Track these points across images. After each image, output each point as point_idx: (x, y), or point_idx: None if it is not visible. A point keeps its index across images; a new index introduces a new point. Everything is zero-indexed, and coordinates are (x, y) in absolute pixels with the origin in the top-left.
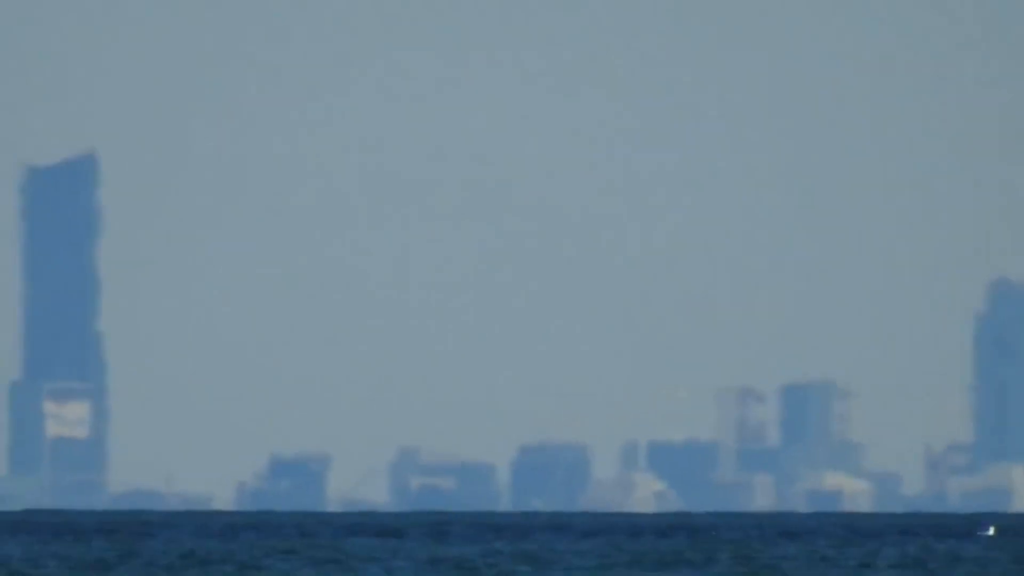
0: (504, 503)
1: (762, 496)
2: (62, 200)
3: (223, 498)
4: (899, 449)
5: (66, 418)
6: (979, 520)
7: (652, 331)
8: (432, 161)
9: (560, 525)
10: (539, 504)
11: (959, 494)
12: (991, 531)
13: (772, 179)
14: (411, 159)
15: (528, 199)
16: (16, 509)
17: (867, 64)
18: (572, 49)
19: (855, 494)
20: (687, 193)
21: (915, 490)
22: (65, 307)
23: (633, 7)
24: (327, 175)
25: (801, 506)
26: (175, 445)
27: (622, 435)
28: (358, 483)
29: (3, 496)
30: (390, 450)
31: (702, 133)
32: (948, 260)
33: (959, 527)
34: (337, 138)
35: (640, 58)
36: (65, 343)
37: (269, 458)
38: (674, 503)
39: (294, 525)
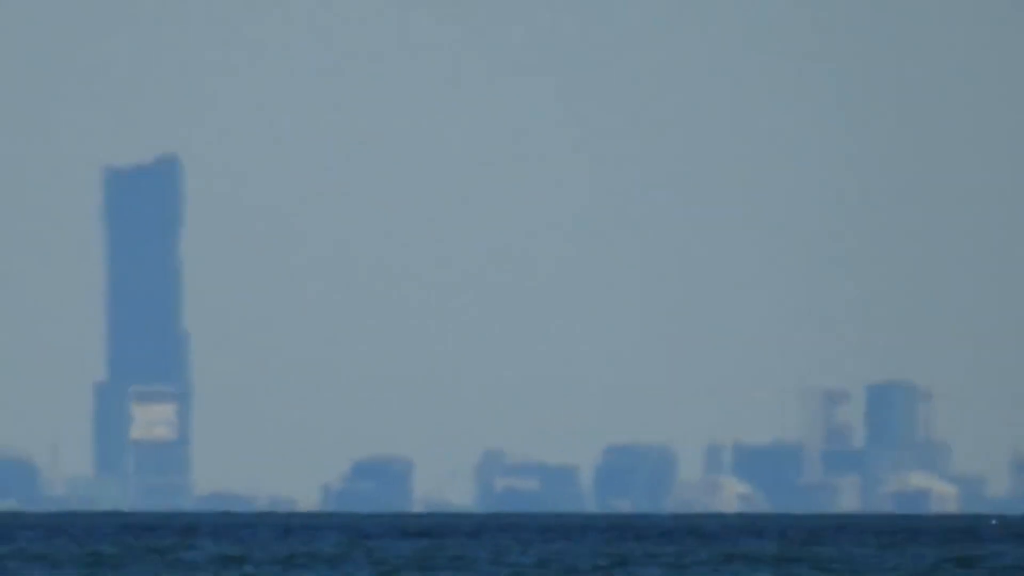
0: (589, 505)
1: (848, 498)
2: (145, 201)
3: (307, 500)
4: (985, 450)
5: (151, 420)
6: None
7: (737, 332)
8: (479, 162)
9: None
10: (624, 506)
11: None
12: None
13: (854, 179)
14: (455, 158)
15: (605, 203)
16: (102, 510)
17: (966, 62)
18: (588, 50)
19: (942, 496)
20: (770, 193)
21: (1001, 491)
22: (149, 309)
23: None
24: (403, 177)
25: (887, 508)
26: (260, 447)
27: (707, 437)
28: (442, 485)
29: (89, 497)
30: (475, 452)
31: (787, 129)
32: None
33: None
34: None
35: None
36: (150, 345)
37: (353, 460)
38: (760, 505)
39: (367, 527)
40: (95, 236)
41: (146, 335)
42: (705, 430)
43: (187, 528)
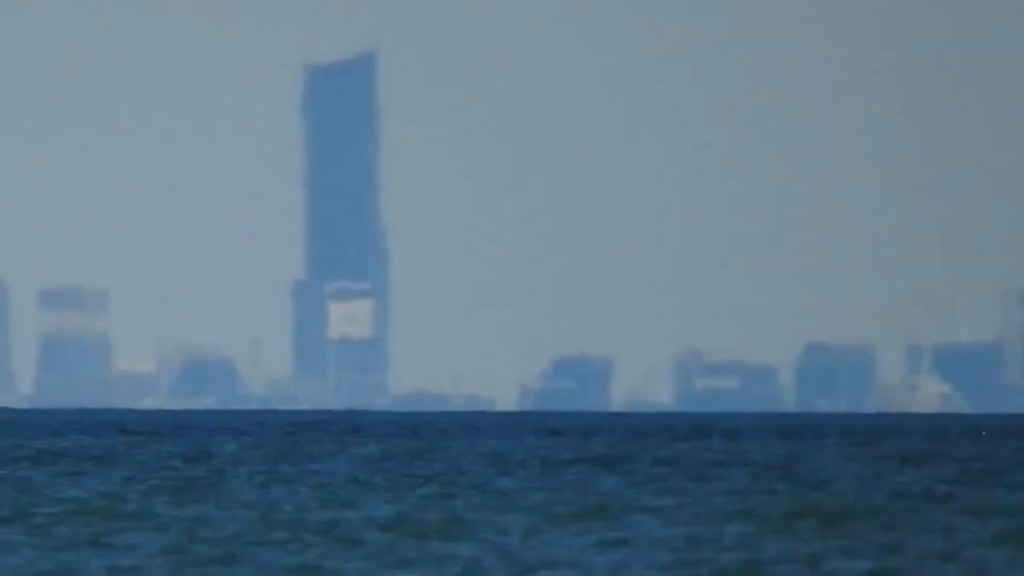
0: (788, 404)
1: None
2: (342, 98)
3: (506, 399)
4: None
5: (349, 318)
6: None
7: (937, 232)
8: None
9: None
10: (824, 406)
11: None
12: None
13: None
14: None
15: (807, 105)
16: (303, 409)
17: None
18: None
19: None
20: (970, 97)
21: None
22: (347, 206)
23: None
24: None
25: None
26: (458, 345)
27: (907, 337)
28: (641, 384)
29: (288, 396)
30: (674, 350)
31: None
32: None
33: None
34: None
35: None
36: (347, 243)
37: (552, 358)
38: (960, 406)
39: (560, 425)
40: (294, 134)
41: (344, 233)
42: (905, 330)
43: (372, 424)
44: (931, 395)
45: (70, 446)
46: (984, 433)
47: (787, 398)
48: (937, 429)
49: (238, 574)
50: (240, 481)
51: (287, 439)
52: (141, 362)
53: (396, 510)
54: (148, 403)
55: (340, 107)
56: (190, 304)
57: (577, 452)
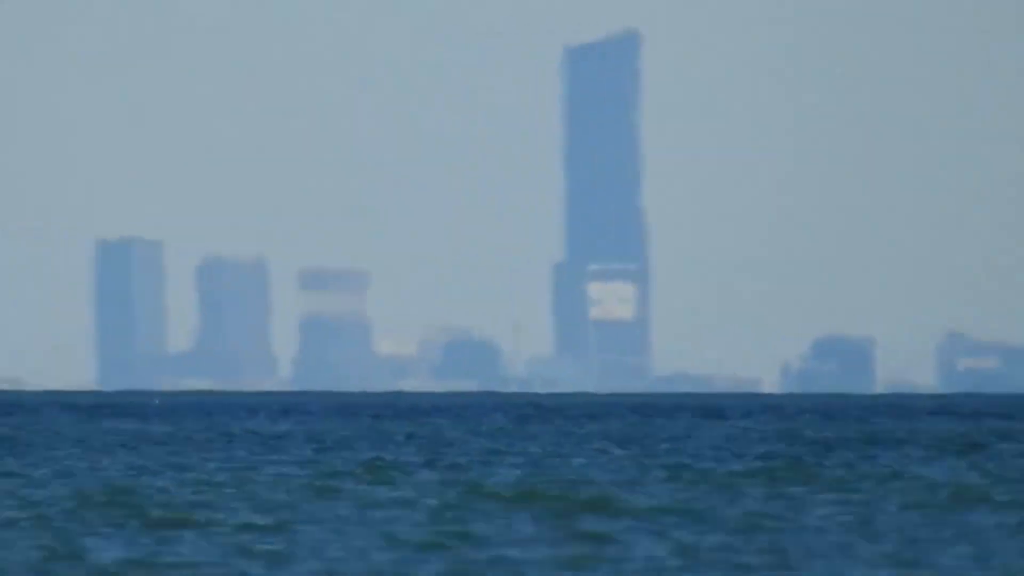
0: None
1: None
2: (604, 78)
3: (769, 380)
4: None
5: (609, 299)
6: None
7: None
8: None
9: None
10: None
11: None
12: None
13: None
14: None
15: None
16: (562, 392)
17: None
18: None
19: None
20: None
21: None
22: (608, 186)
23: None
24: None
25: None
26: (720, 326)
27: None
28: (904, 365)
29: (549, 378)
30: (937, 332)
31: None
32: None
33: None
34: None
35: None
36: (608, 223)
37: (814, 340)
38: None
39: (818, 407)
40: (555, 115)
41: (604, 213)
42: None
43: (636, 407)
44: None
45: (289, 428)
46: None
47: None
48: None
49: (399, 556)
50: (440, 464)
51: (515, 422)
52: (402, 344)
53: (598, 487)
54: (407, 385)
55: (601, 87)
56: (450, 286)
57: (816, 432)
